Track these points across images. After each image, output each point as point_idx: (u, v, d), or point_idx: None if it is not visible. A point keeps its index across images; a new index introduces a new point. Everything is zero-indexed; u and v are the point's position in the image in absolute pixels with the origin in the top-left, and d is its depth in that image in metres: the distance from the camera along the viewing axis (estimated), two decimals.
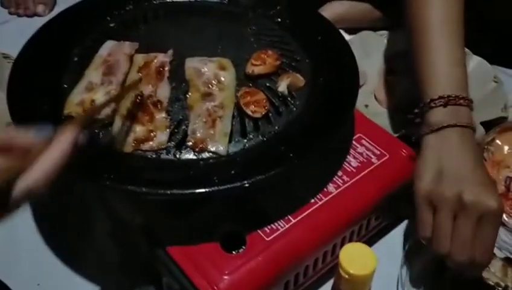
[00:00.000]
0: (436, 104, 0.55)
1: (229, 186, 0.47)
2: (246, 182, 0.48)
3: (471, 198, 0.49)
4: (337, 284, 0.51)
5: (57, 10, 1.02)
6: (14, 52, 0.80)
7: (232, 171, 0.49)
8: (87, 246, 0.62)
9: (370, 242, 0.61)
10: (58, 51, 0.62)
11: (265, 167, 0.49)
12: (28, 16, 0.99)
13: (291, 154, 0.51)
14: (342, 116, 0.55)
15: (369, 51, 0.85)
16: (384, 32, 0.88)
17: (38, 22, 0.96)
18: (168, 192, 0.47)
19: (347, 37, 0.90)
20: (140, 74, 0.58)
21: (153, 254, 0.52)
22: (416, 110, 0.58)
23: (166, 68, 0.58)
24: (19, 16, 1.00)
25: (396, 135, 0.68)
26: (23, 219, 0.65)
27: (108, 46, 0.62)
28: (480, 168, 0.53)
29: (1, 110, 0.74)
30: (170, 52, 0.61)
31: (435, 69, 0.57)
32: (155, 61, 0.59)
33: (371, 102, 0.79)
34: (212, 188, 0.47)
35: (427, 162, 0.53)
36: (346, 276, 0.48)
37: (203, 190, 0.47)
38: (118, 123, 0.53)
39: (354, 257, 0.49)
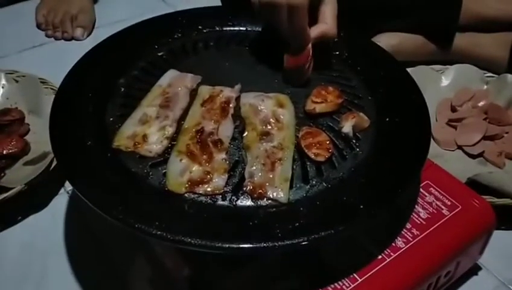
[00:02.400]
0: None
1: (293, 241, 0.42)
2: (313, 236, 0.42)
3: None
4: None
5: (96, 33, 0.99)
6: (51, 77, 0.78)
7: (296, 224, 0.44)
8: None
9: None
10: (104, 80, 0.58)
11: (333, 221, 0.44)
12: (66, 40, 0.97)
13: (361, 207, 0.45)
14: (415, 165, 0.50)
15: (425, 87, 0.80)
16: (441, 68, 0.83)
17: (76, 46, 0.95)
18: (226, 246, 0.41)
19: None
20: (203, 108, 0.53)
21: None
22: None
23: (232, 105, 0.54)
24: (56, 39, 0.97)
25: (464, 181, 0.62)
26: (58, 260, 0.61)
27: (170, 76, 0.58)
28: None
29: (39, 137, 0.70)
30: (238, 87, 0.56)
31: None
32: (220, 96, 0.55)
33: None
34: (275, 243, 0.42)
35: None
36: None
37: (265, 245, 0.42)
38: (173, 160, 0.49)
39: None
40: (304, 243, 0.42)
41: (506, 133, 0.73)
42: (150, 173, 0.48)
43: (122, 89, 0.57)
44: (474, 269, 0.60)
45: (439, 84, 0.81)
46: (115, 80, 0.59)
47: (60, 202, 0.67)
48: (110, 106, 0.56)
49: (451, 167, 0.64)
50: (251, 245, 0.41)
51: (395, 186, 0.48)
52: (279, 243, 0.42)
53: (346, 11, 0.79)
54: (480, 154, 0.71)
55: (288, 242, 0.42)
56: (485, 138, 0.72)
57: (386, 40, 0.87)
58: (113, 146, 0.51)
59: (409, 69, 0.83)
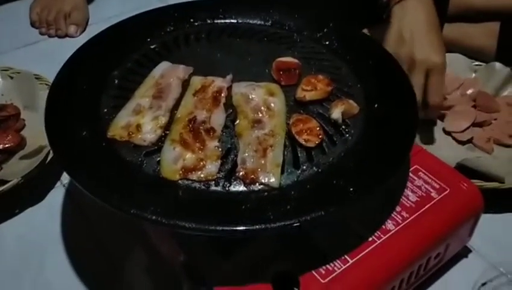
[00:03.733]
0: None
1: (285, 223, 0.43)
2: (303, 218, 0.43)
3: (420, 57, 0.66)
4: None
5: (89, 30, 1.00)
6: (45, 73, 0.79)
7: (288, 207, 0.45)
8: (123, 281, 0.58)
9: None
10: (97, 73, 0.59)
11: (323, 203, 0.45)
12: (59, 37, 0.98)
13: (351, 189, 0.46)
14: (403, 150, 0.51)
15: None
16: None
17: (69, 43, 0.95)
18: (219, 228, 0.43)
19: None
20: (195, 97, 0.55)
21: None
22: None
23: (223, 94, 0.55)
24: (50, 36, 0.98)
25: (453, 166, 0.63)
26: (55, 252, 0.61)
27: (162, 67, 0.59)
28: (431, 32, 0.67)
29: (35, 131, 0.71)
30: (229, 77, 0.57)
31: None
32: (212, 85, 0.56)
33: (419, 131, 0.74)
34: (268, 225, 0.43)
35: (391, 29, 0.70)
36: None
37: (257, 227, 0.43)
38: (167, 148, 0.50)
39: None
40: (294, 224, 0.43)
41: (495, 119, 0.75)
42: (145, 162, 0.49)
43: (116, 81, 0.58)
44: (464, 252, 0.61)
45: None
46: (109, 72, 0.60)
47: (56, 195, 0.68)
48: (104, 98, 0.57)
49: (442, 153, 0.65)
50: (243, 227, 0.43)
51: (384, 169, 0.49)
52: (271, 225, 0.43)
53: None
54: (469, 141, 0.72)
55: (279, 224, 0.43)
56: (473, 124, 0.73)
57: (378, 32, 0.88)
58: (108, 136, 0.52)
59: None
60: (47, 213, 0.66)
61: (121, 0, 1.09)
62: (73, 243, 0.63)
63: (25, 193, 0.66)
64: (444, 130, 0.74)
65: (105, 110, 0.55)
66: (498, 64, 0.79)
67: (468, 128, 0.73)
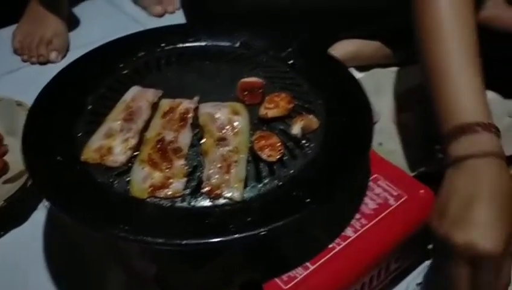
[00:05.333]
0: (453, 134, 0.53)
1: (246, 234, 0.46)
2: (263, 229, 0.47)
3: (459, 241, 0.46)
4: None
5: (70, 55, 1.04)
6: (27, 100, 0.82)
7: (249, 219, 0.48)
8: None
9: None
10: (72, 99, 0.63)
11: (282, 213, 0.48)
12: (41, 63, 1.01)
13: (308, 200, 0.50)
14: (358, 158, 0.55)
15: (381, 88, 0.85)
16: (395, 69, 0.88)
17: (51, 69, 0.98)
18: (183, 242, 0.46)
19: (358, 75, 0.90)
20: (164, 119, 0.58)
21: None
22: (437, 146, 0.57)
23: (190, 115, 0.58)
24: (32, 63, 1.01)
25: (413, 174, 0.67)
26: (38, 272, 0.64)
27: (133, 91, 0.62)
28: (491, 205, 0.47)
29: (17, 156, 0.74)
30: (196, 98, 0.61)
31: (450, 99, 0.55)
32: (180, 107, 0.59)
33: (385, 140, 0.78)
34: (229, 237, 0.46)
35: (438, 202, 0.52)
36: None
37: (219, 239, 0.46)
38: (136, 168, 0.53)
39: None
40: (254, 235, 0.46)
41: None
42: (116, 182, 0.53)
43: (90, 107, 0.62)
44: (426, 256, 0.64)
45: (395, 84, 0.86)
46: (83, 98, 0.63)
47: (39, 216, 0.71)
48: (78, 123, 0.60)
49: (406, 160, 0.69)
50: (205, 240, 0.46)
51: (340, 178, 0.52)
52: (232, 236, 0.46)
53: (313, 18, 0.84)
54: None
55: (240, 235, 0.46)
56: None
57: (345, 47, 0.92)
58: (82, 159, 0.55)
59: (366, 72, 0.89)
60: (30, 234, 0.69)
61: (100, 26, 1.12)
62: (56, 263, 0.66)
63: (8, 215, 0.69)
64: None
65: (79, 134, 0.58)
66: None
67: None
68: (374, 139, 0.78)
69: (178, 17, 1.13)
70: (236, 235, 0.46)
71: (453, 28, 0.59)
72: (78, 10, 1.17)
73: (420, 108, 0.82)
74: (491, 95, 0.79)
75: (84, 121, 0.60)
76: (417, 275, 0.61)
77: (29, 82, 0.94)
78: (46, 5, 1.03)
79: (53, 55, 1.00)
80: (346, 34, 0.93)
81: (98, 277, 0.63)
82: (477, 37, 0.59)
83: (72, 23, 1.12)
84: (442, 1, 0.60)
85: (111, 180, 0.53)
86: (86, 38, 1.06)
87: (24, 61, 1.02)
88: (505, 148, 0.70)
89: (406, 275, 0.61)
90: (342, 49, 0.91)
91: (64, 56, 1.03)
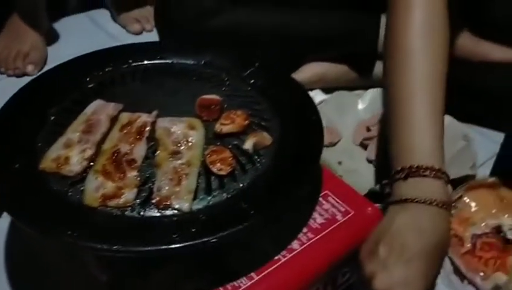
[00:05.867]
0: (403, 174, 0.54)
1: (187, 244, 0.49)
2: (205, 239, 0.49)
3: (380, 287, 0.48)
4: None
5: (47, 68, 1.06)
6: None
7: (193, 229, 0.50)
8: None
9: None
10: (37, 110, 0.65)
11: (226, 224, 0.51)
12: (17, 76, 1.03)
13: (252, 212, 0.52)
14: (305, 172, 0.57)
15: (344, 110, 0.88)
16: (360, 92, 0.91)
17: (27, 82, 1.00)
18: (125, 249, 0.48)
19: (323, 96, 0.94)
20: (121, 132, 0.60)
21: None
22: (384, 181, 0.58)
23: (147, 128, 0.60)
24: (9, 75, 1.04)
25: (364, 193, 0.69)
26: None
27: (95, 104, 0.64)
28: (418, 262, 0.48)
29: None
30: (154, 113, 0.63)
31: (408, 138, 0.56)
32: (138, 120, 0.62)
33: (345, 159, 0.81)
34: (170, 246, 0.48)
35: (374, 235, 0.53)
36: None
37: (161, 248, 0.48)
38: (90, 178, 0.55)
39: None
40: (196, 245, 0.49)
41: None
42: (70, 191, 0.55)
43: (53, 118, 0.64)
44: None
45: (357, 107, 0.89)
46: (47, 110, 0.65)
47: (2, 224, 0.72)
48: (41, 134, 0.62)
49: (363, 179, 0.71)
50: (148, 248, 0.48)
51: (285, 193, 0.55)
52: (174, 245, 0.48)
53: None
54: None
55: (182, 245, 0.48)
56: None
57: (312, 69, 0.96)
58: (40, 168, 0.57)
59: (330, 94, 0.92)
60: None
61: (80, 41, 1.14)
62: (17, 271, 0.67)
63: None
64: (367, 159, 0.80)
65: (40, 144, 0.60)
66: None
67: None
68: (334, 158, 0.81)
69: (155, 35, 1.16)
70: (177, 245, 0.48)
71: (423, 66, 0.59)
72: (59, 25, 1.20)
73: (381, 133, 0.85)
74: (447, 119, 0.83)
75: (46, 132, 0.62)
76: None
77: (5, 94, 0.97)
78: (26, 20, 1.06)
79: (29, 68, 1.03)
80: (314, 57, 0.97)
81: (58, 285, 0.65)
82: (446, 76, 0.60)
83: (52, 37, 1.15)
84: (416, 37, 0.60)
85: (66, 188, 0.55)
86: (64, 53, 1.07)
87: (1, 73, 1.04)
88: (456, 170, 0.74)
89: None
90: (309, 70, 0.95)
91: (41, 69, 1.05)
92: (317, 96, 0.93)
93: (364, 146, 0.83)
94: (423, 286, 0.48)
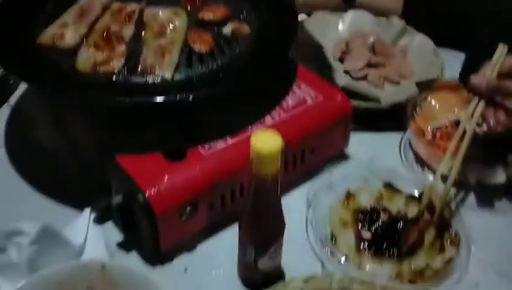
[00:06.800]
0: None
1: (168, 97, 0.55)
2: (183, 96, 0.55)
3: None
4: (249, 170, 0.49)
5: None
6: None
7: (171, 91, 0.57)
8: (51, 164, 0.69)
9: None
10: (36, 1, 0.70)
11: (203, 87, 0.57)
12: None
13: (227, 78, 0.58)
14: (276, 57, 0.64)
15: (325, 31, 0.93)
16: (341, 13, 0.96)
17: None
18: (112, 99, 0.55)
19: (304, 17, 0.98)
20: (112, 17, 0.66)
21: (104, 163, 0.58)
22: None
23: (136, 14, 0.67)
24: None
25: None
26: None
27: None
28: None
29: None
30: (143, 3, 0.69)
31: None
32: (127, 8, 0.68)
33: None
34: (151, 100, 0.55)
35: None
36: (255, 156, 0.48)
37: (144, 99, 0.55)
38: (83, 50, 0.61)
39: (263, 140, 0.48)
40: (177, 101, 0.55)
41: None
42: (64, 59, 0.61)
43: (50, 7, 0.70)
44: (343, 157, 0.72)
45: (338, 28, 0.94)
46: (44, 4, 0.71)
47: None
48: (40, 18, 0.68)
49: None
50: (131, 99, 0.55)
51: (261, 66, 0.61)
52: (155, 99, 0.55)
53: None
54: (364, 78, 0.84)
55: (161, 100, 0.55)
56: (369, 66, 0.85)
57: None
58: (38, 42, 0.63)
59: (311, 15, 0.97)
60: None
61: None
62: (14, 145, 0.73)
63: None
64: (344, 71, 0.86)
65: (39, 28, 0.66)
66: (396, 19, 0.92)
67: (363, 67, 0.85)
68: None
69: None
70: (158, 98, 0.55)
71: None
72: None
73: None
74: (421, 36, 0.89)
75: (44, 19, 0.68)
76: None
77: None
78: None
79: None
80: None
81: (55, 166, 0.71)
82: None
83: None
84: None
85: (61, 58, 0.61)
86: None
87: None
88: (425, 74, 0.80)
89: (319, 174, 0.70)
90: None
91: None
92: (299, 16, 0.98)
93: (342, 60, 0.88)
94: None
